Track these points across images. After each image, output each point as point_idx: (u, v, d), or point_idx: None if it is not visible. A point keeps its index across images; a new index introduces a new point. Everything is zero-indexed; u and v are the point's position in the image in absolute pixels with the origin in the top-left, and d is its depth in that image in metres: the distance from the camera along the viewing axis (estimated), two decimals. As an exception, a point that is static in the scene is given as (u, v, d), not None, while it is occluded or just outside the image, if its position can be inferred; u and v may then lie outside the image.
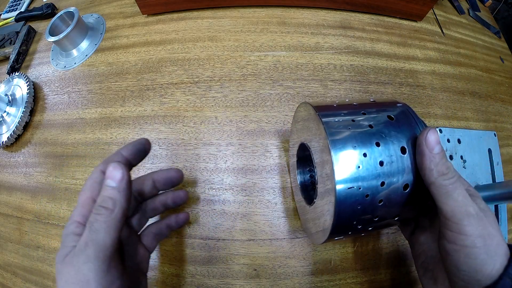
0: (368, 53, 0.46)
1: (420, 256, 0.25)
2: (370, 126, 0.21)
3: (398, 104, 0.24)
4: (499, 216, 0.37)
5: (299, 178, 0.32)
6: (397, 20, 0.52)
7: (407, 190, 0.21)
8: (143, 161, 0.39)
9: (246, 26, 0.47)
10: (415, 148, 0.21)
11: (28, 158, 0.44)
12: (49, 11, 0.58)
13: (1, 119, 0.46)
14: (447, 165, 0.20)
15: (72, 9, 0.51)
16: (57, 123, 0.45)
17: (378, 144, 0.20)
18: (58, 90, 0.48)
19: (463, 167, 0.36)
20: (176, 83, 0.43)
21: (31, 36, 0.57)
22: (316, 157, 0.24)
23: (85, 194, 0.22)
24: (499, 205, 0.37)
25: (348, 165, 0.20)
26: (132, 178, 0.24)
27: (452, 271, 0.20)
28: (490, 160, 0.39)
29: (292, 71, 0.43)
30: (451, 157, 0.36)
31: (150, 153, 0.39)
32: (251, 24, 0.47)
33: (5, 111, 0.47)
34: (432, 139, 0.20)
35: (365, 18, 0.50)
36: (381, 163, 0.20)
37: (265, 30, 0.47)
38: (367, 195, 0.20)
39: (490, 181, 0.38)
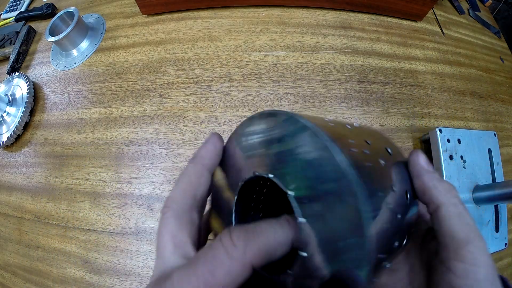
0: (368, 53, 0.46)
1: None
2: (379, 162, 0.16)
3: (383, 135, 0.20)
4: (499, 216, 0.37)
5: (235, 220, 0.19)
6: (397, 20, 0.52)
7: (404, 242, 0.17)
8: (143, 160, 0.39)
9: (246, 26, 0.47)
10: (411, 191, 0.18)
11: (28, 158, 0.44)
12: (49, 11, 0.58)
13: (1, 119, 0.46)
14: (448, 182, 0.18)
15: (72, 9, 0.51)
16: (57, 123, 0.45)
17: (392, 188, 0.15)
18: (58, 90, 0.48)
19: (463, 167, 0.36)
20: (176, 83, 0.43)
21: (31, 36, 0.57)
22: (298, 207, 0.15)
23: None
24: (499, 205, 0.37)
25: (381, 224, 0.13)
26: None
27: None
28: (490, 160, 0.39)
29: (292, 71, 0.43)
30: (451, 157, 0.36)
31: (150, 153, 0.39)
32: (251, 24, 0.47)
33: (5, 111, 0.47)
34: (423, 159, 0.18)
35: (365, 18, 0.50)
36: (396, 214, 0.15)
37: (265, 30, 0.47)
38: (384, 260, 0.15)
39: (490, 181, 0.38)
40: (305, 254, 0.15)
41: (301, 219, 0.15)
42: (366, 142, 0.16)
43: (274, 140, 0.17)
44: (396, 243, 0.16)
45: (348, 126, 0.18)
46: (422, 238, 0.21)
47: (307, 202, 0.15)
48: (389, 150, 0.18)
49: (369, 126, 0.20)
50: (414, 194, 0.18)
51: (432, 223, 0.18)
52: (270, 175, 0.16)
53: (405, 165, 0.19)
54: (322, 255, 0.15)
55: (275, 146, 0.17)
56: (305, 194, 0.15)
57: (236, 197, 0.19)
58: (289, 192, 0.16)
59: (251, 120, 0.18)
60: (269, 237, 0.14)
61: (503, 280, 0.17)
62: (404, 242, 0.17)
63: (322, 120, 0.16)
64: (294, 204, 0.15)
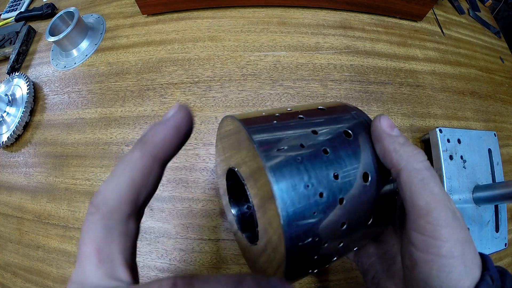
0: (368, 53, 0.46)
1: (370, 270, 0.21)
2: (325, 151, 0.16)
3: (352, 112, 0.19)
4: (499, 216, 0.37)
5: (233, 211, 0.25)
6: (397, 20, 0.52)
7: (369, 222, 0.17)
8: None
9: (246, 26, 0.47)
10: (378, 166, 0.17)
11: (28, 158, 0.44)
12: (49, 11, 0.58)
13: (1, 119, 0.46)
14: (415, 146, 0.16)
15: (72, 9, 0.51)
16: (57, 123, 0.45)
17: (336, 176, 0.15)
18: (58, 90, 0.48)
19: (463, 167, 0.36)
20: (176, 83, 0.43)
21: (31, 36, 0.57)
22: (252, 194, 0.18)
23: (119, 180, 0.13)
24: (499, 205, 0.37)
25: (301, 213, 0.14)
26: None
27: (419, 287, 0.16)
28: (490, 160, 0.39)
29: (292, 71, 0.43)
30: (451, 157, 0.36)
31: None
32: (251, 24, 0.47)
33: (5, 111, 0.47)
34: (386, 122, 0.17)
35: (365, 18, 0.50)
36: (341, 200, 0.15)
37: (265, 30, 0.47)
38: (325, 243, 0.16)
39: (490, 181, 0.38)
40: (257, 229, 0.18)
41: (252, 203, 0.18)
42: (314, 132, 0.17)
43: (234, 140, 0.19)
44: (346, 226, 0.16)
45: (301, 117, 0.18)
46: (402, 212, 0.20)
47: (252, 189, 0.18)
48: (350, 132, 0.17)
49: (341, 107, 0.20)
50: (384, 173, 0.17)
51: (399, 190, 0.17)
52: (236, 169, 0.20)
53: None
54: (264, 232, 0.17)
55: (235, 144, 0.19)
56: (249, 181, 0.18)
57: (225, 183, 0.24)
58: (244, 182, 0.19)
59: (222, 123, 0.21)
60: None
61: (486, 263, 0.15)
62: (370, 221, 0.17)
63: (262, 118, 0.17)
64: (247, 191, 0.18)
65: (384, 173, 0.17)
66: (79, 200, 0.39)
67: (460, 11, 0.59)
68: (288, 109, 0.19)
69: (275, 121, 0.17)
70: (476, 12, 0.60)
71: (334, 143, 0.16)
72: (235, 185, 0.24)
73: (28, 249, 0.39)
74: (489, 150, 0.40)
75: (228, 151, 0.21)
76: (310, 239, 0.15)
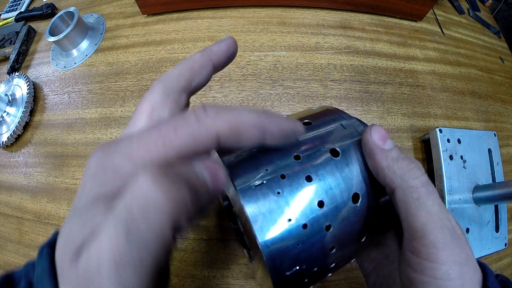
0: (368, 53, 0.46)
1: (371, 275, 0.20)
2: (308, 178, 0.15)
3: (342, 122, 0.18)
4: (499, 216, 0.37)
5: (233, 225, 0.25)
6: (397, 20, 0.52)
7: (363, 240, 0.17)
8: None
9: (246, 26, 0.47)
10: (370, 184, 0.16)
11: (28, 158, 0.44)
12: (49, 11, 0.58)
13: (1, 119, 0.46)
14: (410, 160, 0.15)
15: (72, 9, 0.51)
16: (57, 123, 0.45)
17: (321, 204, 0.15)
18: (58, 90, 0.48)
19: (463, 167, 0.36)
20: (176, 83, 0.43)
21: (31, 36, 0.57)
22: (241, 223, 0.17)
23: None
24: (499, 205, 0.37)
25: (284, 247, 0.14)
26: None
27: None
28: (490, 160, 0.39)
29: (292, 71, 0.43)
30: (451, 157, 0.36)
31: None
32: (251, 24, 0.47)
33: (5, 111, 0.47)
34: (378, 134, 0.16)
35: (365, 18, 0.50)
36: (328, 227, 0.15)
37: (265, 30, 0.47)
38: (314, 268, 0.15)
39: (490, 181, 0.38)
40: (245, 250, 0.18)
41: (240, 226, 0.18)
42: (296, 157, 0.16)
43: None
44: (336, 249, 0.15)
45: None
46: None
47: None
48: (338, 150, 0.16)
49: (328, 117, 0.18)
50: (377, 187, 0.16)
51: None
52: (226, 194, 0.19)
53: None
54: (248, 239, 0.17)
55: None
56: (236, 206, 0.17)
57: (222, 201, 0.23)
58: (234, 210, 0.18)
59: None
60: (241, 116, 0.12)
61: (485, 274, 0.15)
62: (364, 239, 0.16)
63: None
64: (238, 223, 0.18)
65: (377, 187, 0.16)
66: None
67: (460, 11, 0.59)
68: None
69: (254, 150, 0.16)
70: (476, 12, 0.60)
71: (319, 168, 0.15)
72: (230, 205, 0.24)
73: (28, 249, 0.39)
74: (489, 150, 0.40)
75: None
76: (297, 268, 0.15)
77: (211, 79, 0.18)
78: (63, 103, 0.46)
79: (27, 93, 0.47)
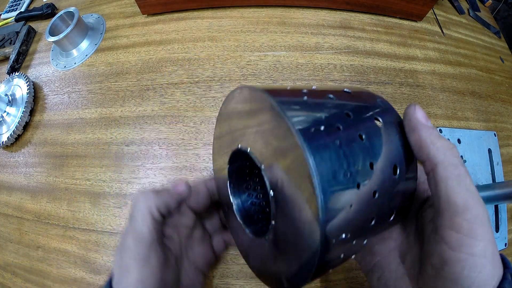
0: (368, 53, 0.46)
1: (375, 270, 0.20)
2: (361, 137, 0.14)
3: (378, 99, 0.18)
4: (499, 216, 0.37)
5: (234, 202, 0.22)
6: (397, 20, 0.52)
7: (391, 219, 0.16)
8: (143, 160, 0.39)
9: (246, 26, 0.47)
10: (404, 160, 0.16)
11: (28, 158, 0.44)
12: (49, 11, 0.58)
13: (1, 119, 0.46)
14: (449, 141, 0.16)
15: (72, 9, 0.51)
16: (57, 123, 0.45)
17: (371, 166, 0.14)
18: (58, 90, 0.48)
19: (463, 167, 0.37)
20: (176, 83, 0.43)
21: (31, 36, 0.57)
22: (269, 179, 0.15)
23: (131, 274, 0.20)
24: (499, 205, 0.37)
25: (340, 205, 0.13)
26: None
27: (445, 287, 0.15)
28: (490, 160, 0.39)
29: (292, 71, 0.43)
30: (451, 157, 0.36)
31: (150, 153, 0.39)
32: (251, 24, 0.47)
33: (5, 111, 0.47)
34: (422, 112, 0.16)
35: (365, 18, 0.50)
36: (374, 193, 0.14)
37: (265, 30, 0.47)
38: (353, 239, 0.14)
39: (490, 181, 0.38)
40: (272, 222, 0.16)
41: (271, 192, 0.15)
42: (347, 114, 0.15)
43: (249, 116, 0.17)
44: (374, 221, 0.15)
45: (330, 97, 0.16)
46: (419, 208, 0.19)
47: (272, 174, 0.15)
48: (380, 120, 0.16)
49: (365, 92, 0.19)
50: (409, 166, 0.16)
51: (429, 185, 0.16)
52: (249, 149, 0.17)
53: (402, 131, 0.16)
54: (283, 225, 0.15)
55: (250, 121, 0.17)
56: (270, 164, 0.15)
57: (228, 166, 0.21)
58: (261, 166, 0.16)
59: (232, 96, 0.19)
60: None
61: (504, 261, 0.15)
62: (392, 218, 0.16)
63: (289, 93, 0.16)
64: (265, 177, 0.16)
65: (409, 167, 0.16)
66: (79, 200, 0.39)
67: (460, 11, 0.59)
68: (313, 87, 0.17)
69: (305, 97, 0.15)
70: (476, 12, 0.60)
71: (368, 130, 0.15)
72: (238, 170, 0.22)
73: (28, 249, 0.39)
74: (489, 150, 0.40)
75: (236, 130, 0.19)
76: (343, 236, 0.13)
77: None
78: (63, 103, 0.46)
79: (27, 93, 0.47)
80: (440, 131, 0.36)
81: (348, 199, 0.13)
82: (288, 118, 0.13)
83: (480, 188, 0.36)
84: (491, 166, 0.39)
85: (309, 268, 0.13)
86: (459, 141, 0.37)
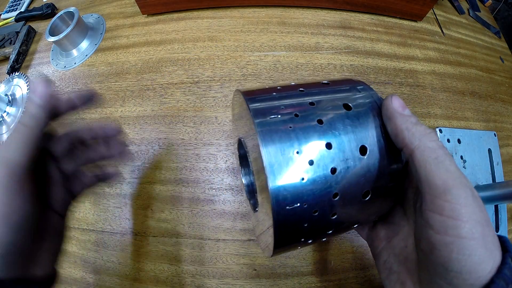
0: (368, 53, 0.46)
1: (381, 254, 0.21)
2: (320, 121, 0.16)
3: (358, 87, 0.19)
4: (499, 216, 0.37)
5: (244, 180, 0.27)
6: (397, 20, 0.52)
7: (367, 198, 0.17)
8: (143, 160, 0.39)
9: (246, 26, 0.47)
10: (380, 142, 0.17)
11: (28, 158, 0.44)
12: (49, 11, 0.58)
13: (1, 119, 0.46)
14: (427, 127, 0.16)
15: (72, 9, 0.51)
16: (57, 123, 0.45)
17: (329, 146, 0.16)
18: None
19: (463, 167, 0.36)
20: (176, 83, 0.43)
21: (31, 36, 0.57)
22: (252, 160, 0.19)
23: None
24: (499, 205, 0.37)
25: (288, 177, 0.15)
26: None
27: (438, 272, 0.15)
28: (490, 160, 0.39)
29: (292, 71, 0.43)
30: (451, 157, 0.36)
31: (150, 153, 0.39)
32: (251, 24, 0.47)
33: (5, 111, 0.47)
34: (399, 102, 0.17)
35: (365, 18, 0.50)
36: (333, 170, 0.16)
37: (265, 30, 0.47)
38: (315, 211, 0.16)
39: (490, 181, 0.38)
40: (257, 196, 0.20)
41: (253, 171, 0.19)
42: (311, 103, 0.17)
43: (240, 110, 0.21)
44: (339, 197, 0.16)
45: (301, 90, 0.18)
46: (415, 194, 0.19)
47: (254, 159, 0.19)
48: (351, 105, 0.17)
49: (346, 82, 0.20)
50: (388, 148, 0.17)
51: (412, 171, 0.16)
52: (242, 138, 0.22)
53: (380, 117, 0.18)
54: (262, 198, 0.19)
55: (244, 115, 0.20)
56: (252, 151, 0.19)
57: (237, 152, 0.27)
58: (246, 150, 0.21)
59: (234, 95, 0.23)
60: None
61: (505, 245, 0.15)
62: (368, 197, 0.17)
63: (263, 91, 0.19)
64: (249, 160, 0.19)
65: (389, 151, 0.17)
66: (79, 200, 0.39)
67: (460, 11, 0.59)
68: (292, 83, 0.19)
69: (274, 93, 0.18)
70: (476, 12, 0.60)
71: (331, 115, 0.17)
72: (245, 155, 0.26)
73: (28, 249, 0.39)
74: (489, 150, 0.40)
75: (238, 122, 0.23)
76: (298, 204, 0.15)
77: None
78: (63, 103, 0.46)
79: (27, 93, 0.47)
80: (440, 131, 0.36)
81: (300, 172, 0.15)
82: (250, 109, 0.16)
83: (480, 188, 0.36)
84: (491, 166, 0.39)
85: (274, 232, 0.16)
86: (459, 141, 0.37)
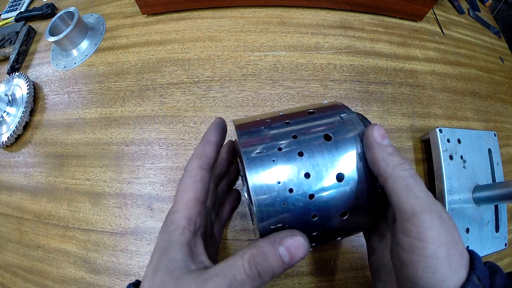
0: (368, 53, 0.46)
1: (373, 263, 0.23)
2: (300, 153, 0.18)
3: (342, 115, 0.21)
4: (499, 216, 0.37)
5: (246, 194, 0.30)
6: (397, 20, 0.51)
7: (345, 217, 0.19)
8: (143, 160, 0.39)
9: (246, 26, 0.47)
10: (358, 168, 0.19)
11: (28, 158, 0.44)
12: (49, 11, 0.58)
13: (1, 119, 0.46)
14: (402, 157, 0.18)
15: (72, 9, 0.51)
16: (57, 123, 0.45)
17: (307, 176, 0.18)
18: (58, 90, 0.48)
19: (463, 167, 0.36)
20: (176, 83, 0.43)
21: (31, 36, 0.57)
22: (244, 185, 0.22)
23: (187, 194, 0.20)
24: (499, 205, 0.37)
25: (270, 203, 0.17)
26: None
27: (409, 286, 0.17)
28: (490, 160, 0.39)
29: (292, 71, 0.43)
30: (451, 157, 0.36)
31: (150, 153, 0.39)
32: (251, 24, 0.47)
33: (5, 111, 0.47)
34: (379, 132, 0.18)
35: (365, 18, 0.50)
36: (311, 196, 0.18)
37: (265, 30, 0.47)
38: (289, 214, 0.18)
39: (490, 181, 0.38)
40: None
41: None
42: (294, 136, 0.19)
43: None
44: (317, 218, 0.18)
45: (287, 122, 0.21)
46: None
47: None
48: (331, 135, 0.19)
49: (330, 111, 0.22)
50: (366, 172, 0.19)
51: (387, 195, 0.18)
52: (239, 162, 0.25)
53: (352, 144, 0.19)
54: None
55: None
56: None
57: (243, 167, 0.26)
58: (241, 174, 0.25)
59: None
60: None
61: (472, 262, 0.16)
62: (347, 216, 0.19)
63: (254, 123, 0.21)
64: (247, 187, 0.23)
65: (368, 175, 0.19)
66: (79, 200, 0.39)
67: (460, 11, 0.59)
68: (281, 113, 0.22)
69: (263, 127, 0.20)
70: (476, 12, 0.60)
71: (311, 146, 0.19)
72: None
73: (28, 249, 0.39)
74: (489, 150, 0.40)
75: (236, 142, 0.26)
76: (280, 225, 0.18)
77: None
78: (63, 103, 0.46)
79: (27, 93, 0.47)
80: (440, 131, 0.36)
81: (281, 198, 0.18)
82: (240, 145, 0.19)
83: (480, 188, 0.36)
84: (491, 166, 0.39)
85: (258, 229, 0.18)
86: (459, 141, 0.37)
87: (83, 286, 0.35)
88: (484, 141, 0.40)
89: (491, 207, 0.37)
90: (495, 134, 0.41)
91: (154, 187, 0.37)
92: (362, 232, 0.26)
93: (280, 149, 0.19)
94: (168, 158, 0.38)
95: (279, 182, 0.18)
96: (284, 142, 0.19)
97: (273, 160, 0.18)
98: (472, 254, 0.16)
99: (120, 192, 0.38)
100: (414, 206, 0.16)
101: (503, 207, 0.38)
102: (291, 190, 0.18)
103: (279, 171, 0.18)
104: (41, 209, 0.40)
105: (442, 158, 0.35)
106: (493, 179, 0.39)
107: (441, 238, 0.15)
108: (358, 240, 0.34)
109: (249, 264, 0.16)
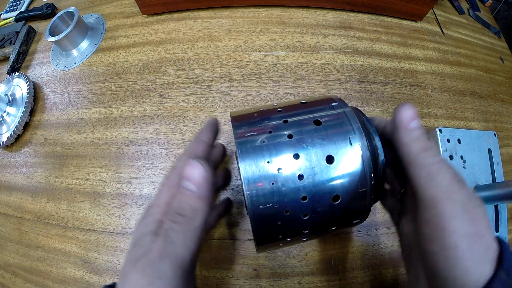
0: (368, 53, 0.46)
1: (405, 248, 0.21)
2: (289, 136, 0.19)
3: (333, 104, 0.21)
4: (499, 216, 0.37)
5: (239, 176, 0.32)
6: (397, 20, 0.51)
7: (337, 202, 0.19)
8: (143, 160, 0.39)
9: (246, 26, 0.47)
10: (347, 152, 0.19)
11: (28, 158, 0.44)
12: (49, 11, 0.58)
13: (1, 119, 0.46)
14: (428, 142, 0.17)
15: (72, 9, 0.51)
16: (57, 123, 0.45)
17: (296, 156, 0.18)
18: (58, 90, 0.48)
19: (463, 167, 0.36)
20: (176, 83, 0.43)
21: (31, 36, 0.57)
22: (239, 172, 0.23)
23: (168, 192, 0.20)
24: (499, 205, 0.37)
25: (260, 182, 0.18)
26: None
27: (430, 274, 0.16)
28: (490, 160, 0.39)
29: (292, 71, 0.43)
30: (451, 157, 0.36)
31: (150, 153, 0.39)
32: (251, 24, 0.47)
33: (5, 111, 0.47)
34: (407, 113, 0.17)
35: (365, 18, 0.50)
36: (300, 177, 0.18)
37: (265, 30, 0.47)
38: (286, 211, 0.18)
39: (490, 181, 0.38)
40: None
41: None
42: (284, 121, 0.20)
43: None
44: (307, 200, 0.18)
45: (279, 110, 0.21)
46: None
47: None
48: (320, 121, 0.20)
49: (322, 101, 0.22)
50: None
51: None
52: (234, 151, 0.27)
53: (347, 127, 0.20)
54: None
55: None
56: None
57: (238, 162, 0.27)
58: (237, 160, 0.24)
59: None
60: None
61: (501, 258, 0.14)
62: (339, 200, 0.19)
63: (247, 112, 0.22)
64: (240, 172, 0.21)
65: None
66: (79, 200, 0.39)
67: (460, 11, 0.59)
68: (274, 104, 0.23)
69: (255, 114, 0.21)
70: (476, 12, 0.60)
71: (301, 130, 0.19)
72: None
73: (28, 249, 0.39)
74: (489, 150, 0.40)
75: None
76: (270, 204, 0.18)
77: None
78: (63, 103, 0.46)
79: (27, 93, 0.47)
80: (440, 131, 0.36)
81: (271, 178, 0.18)
82: (233, 127, 0.20)
83: (480, 188, 0.36)
84: (491, 166, 0.39)
85: (252, 228, 0.19)
86: (459, 141, 0.37)
87: (83, 286, 0.35)
88: (484, 141, 0.40)
89: (491, 207, 0.37)
90: (495, 134, 0.41)
91: (154, 187, 0.37)
92: (389, 216, 0.24)
93: (270, 132, 0.19)
94: (168, 158, 0.38)
95: (268, 162, 0.18)
96: (274, 124, 0.20)
97: (263, 141, 0.19)
98: (502, 245, 0.15)
99: (120, 192, 0.38)
100: (435, 196, 0.15)
101: (503, 207, 0.38)
102: (279, 169, 0.18)
103: (268, 151, 0.18)
104: (41, 209, 0.40)
105: (442, 158, 0.35)
106: (493, 179, 0.39)
107: (463, 230, 0.14)
108: (358, 240, 0.34)
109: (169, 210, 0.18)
